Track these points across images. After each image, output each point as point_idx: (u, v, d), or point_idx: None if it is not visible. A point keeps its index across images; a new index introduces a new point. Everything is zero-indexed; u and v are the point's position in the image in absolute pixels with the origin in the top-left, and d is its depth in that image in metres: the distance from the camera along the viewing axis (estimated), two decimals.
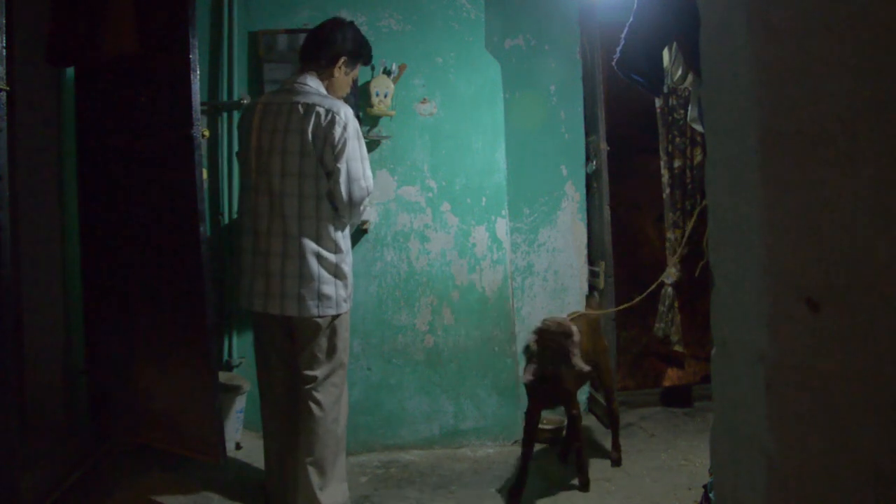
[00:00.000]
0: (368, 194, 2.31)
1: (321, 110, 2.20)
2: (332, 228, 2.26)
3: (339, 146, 2.19)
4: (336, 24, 2.39)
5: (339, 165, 2.20)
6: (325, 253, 2.25)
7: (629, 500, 2.58)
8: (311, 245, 2.22)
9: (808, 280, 0.88)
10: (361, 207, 2.30)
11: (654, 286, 2.88)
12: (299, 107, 2.22)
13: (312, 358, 2.29)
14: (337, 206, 2.26)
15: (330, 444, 2.30)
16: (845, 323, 0.88)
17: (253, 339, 2.49)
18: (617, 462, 2.91)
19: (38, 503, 2.16)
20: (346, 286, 2.31)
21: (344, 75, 2.40)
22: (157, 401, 2.46)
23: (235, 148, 3.07)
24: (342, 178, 2.21)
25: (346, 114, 2.23)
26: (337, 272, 2.28)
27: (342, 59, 2.36)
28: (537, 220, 3.57)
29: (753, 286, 0.91)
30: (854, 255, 0.88)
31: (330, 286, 2.25)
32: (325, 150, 2.20)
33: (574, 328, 2.52)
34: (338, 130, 2.19)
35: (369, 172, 2.31)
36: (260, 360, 2.43)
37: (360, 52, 2.43)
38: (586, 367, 2.46)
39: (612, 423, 2.99)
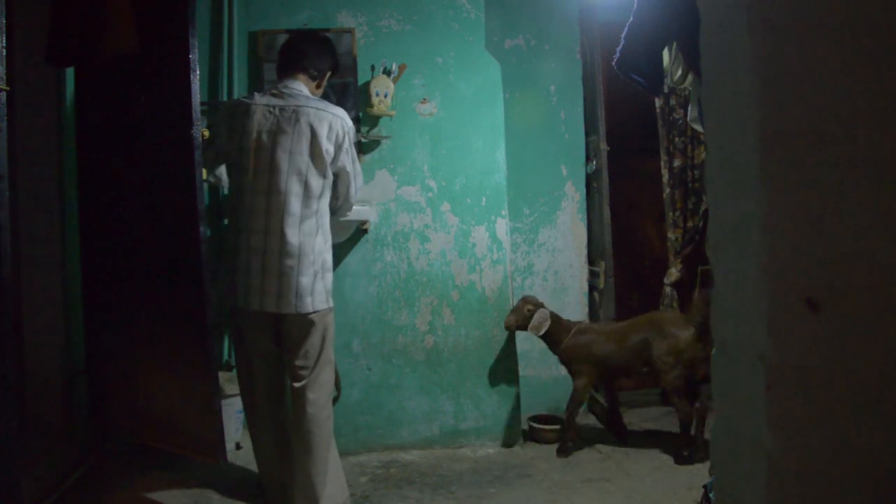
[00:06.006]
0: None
1: (330, 115, 2.34)
2: (327, 225, 2.39)
3: (348, 149, 2.39)
4: (327, 40, 2.57)
5: (349, 168, 2.41)
6: (321, 250, 2.33)
7: (629, 500, 2.58)
8: (310, 242, 2.29)
9: (808, 280, 0.88)
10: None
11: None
12: (307, 110, 2.31)
13: (305, 356, 2.33)
14: (339, 205, 2.47)
15: (325, 441, 2.35)
16: (845, 323, 0.88)
17: (235, 345, 2.51)
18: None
19: (37, 503, 2.16)
20: (330, 280, 2.41)
21: (322, 87, 2.54)
22: (157, 401, 2.46)
23: None
24: (351, 179, 2.43)
25: (349, 120, 2.42)
26: (325, 266, 2.37)
27: (329, 74, 2.53)
28: (537, 220, 3.57)
29: (753, 286, 0.91)
30: (854, 255, 0.88)
31: (321, 282, 2.34)
32: (337, 153, 2.35)
33: None
34: (348, 135, 2.38)
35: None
36: (243, 366, 2.44)
37: (338, 68, 2.59)
38: None
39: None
